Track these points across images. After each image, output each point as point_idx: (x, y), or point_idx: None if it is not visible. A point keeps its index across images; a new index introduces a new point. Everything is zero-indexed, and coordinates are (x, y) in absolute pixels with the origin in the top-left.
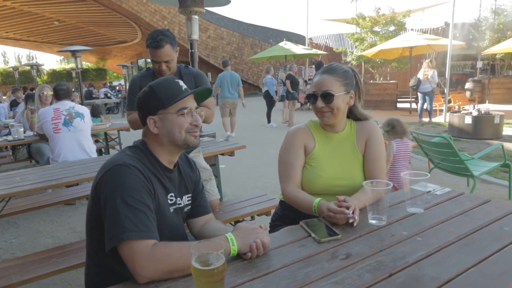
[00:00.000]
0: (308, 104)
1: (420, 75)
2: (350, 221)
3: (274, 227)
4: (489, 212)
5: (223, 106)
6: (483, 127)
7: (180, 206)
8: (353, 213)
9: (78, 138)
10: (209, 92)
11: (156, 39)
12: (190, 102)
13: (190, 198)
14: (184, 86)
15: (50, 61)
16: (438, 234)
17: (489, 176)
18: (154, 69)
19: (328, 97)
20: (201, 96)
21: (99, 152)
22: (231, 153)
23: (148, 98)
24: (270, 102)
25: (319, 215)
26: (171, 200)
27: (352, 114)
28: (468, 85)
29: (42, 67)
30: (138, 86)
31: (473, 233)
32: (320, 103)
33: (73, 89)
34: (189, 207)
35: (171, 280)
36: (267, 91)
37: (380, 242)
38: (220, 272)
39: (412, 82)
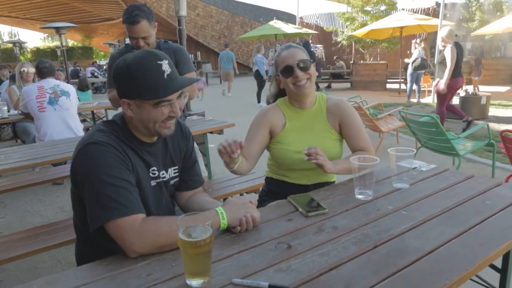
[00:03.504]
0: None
1: (422, 54)
2: (313, 159)
3: (261, 202)
4: (472, 187)
5: (222, 74)
6: (470, 108)
7: (164, 179)
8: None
9: (64, 117)
10: (193, 82)
11: (131, 15)
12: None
13: (176, 170)
14: (167, 72)
15: (34, 38)
16: (423, 208)
17: (474, 155)
18: (132, 45)
19: (305, 64)
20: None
21: (87, 131)
22: (220, 131)
23: (125, 81)
24: (260, 82)
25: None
26: (153, 174)
27: None
28: None
29: (26, 44)
30: None
31: (456, 206)
32: (299, 72)
33: (57, 68)
34: (176, 179)
35: (159, 253)
36: (257, 71)
37: (366, 216)
38: (207, 244)
39: (418, 62)
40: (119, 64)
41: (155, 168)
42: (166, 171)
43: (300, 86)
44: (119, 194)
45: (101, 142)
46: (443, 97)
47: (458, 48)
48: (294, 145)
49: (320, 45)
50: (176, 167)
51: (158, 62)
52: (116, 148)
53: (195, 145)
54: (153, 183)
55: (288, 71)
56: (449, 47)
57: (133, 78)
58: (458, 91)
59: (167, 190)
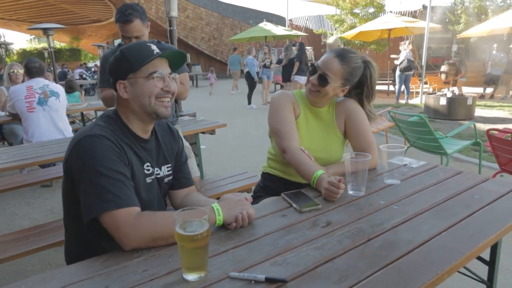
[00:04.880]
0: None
1: (409, 55)
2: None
3: (255, 198)
4: (461, 182)
5: (232, 74)
6: (457, 108)
7: (158, 176)
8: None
9: (53, 118)
10: (183, 56)
11: (124, 14)
12: (162, 67)
13: (170, 169)
14: (156, 50)
15: (20, 40)
16: (414, 203)
17: (461, 154)
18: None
19: (323, 80)
20: (176, 62)
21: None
22: (212, 132)
23: (118, 63)
24: (251, 84)
25: (316, 187)
26: (147, 170)
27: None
28: (443, 68)
29: (11, 46)
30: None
31: (446, 201)
32: (315, 79)
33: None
34: (170, 177)
35: (155, 249)
36: (248, 72)
37: (359, 210)
38: (204, 238)
39: (405, 64)
40: (114, 54)
41: (149, 164)
42: (160, 169)
43: (309, 90)
44: (115, 186)
45: (98, 135)
46: None
47: None
48: (303, 141)
49: (310, 47)
50: (169, 165)
51: (148, 44)
52: (113, 142)
53: (188, 144)
54: (148, 180)
55: (313, 70)
56: None
57: (126, 57)
58: (445, 92)
59: (160, 188)
